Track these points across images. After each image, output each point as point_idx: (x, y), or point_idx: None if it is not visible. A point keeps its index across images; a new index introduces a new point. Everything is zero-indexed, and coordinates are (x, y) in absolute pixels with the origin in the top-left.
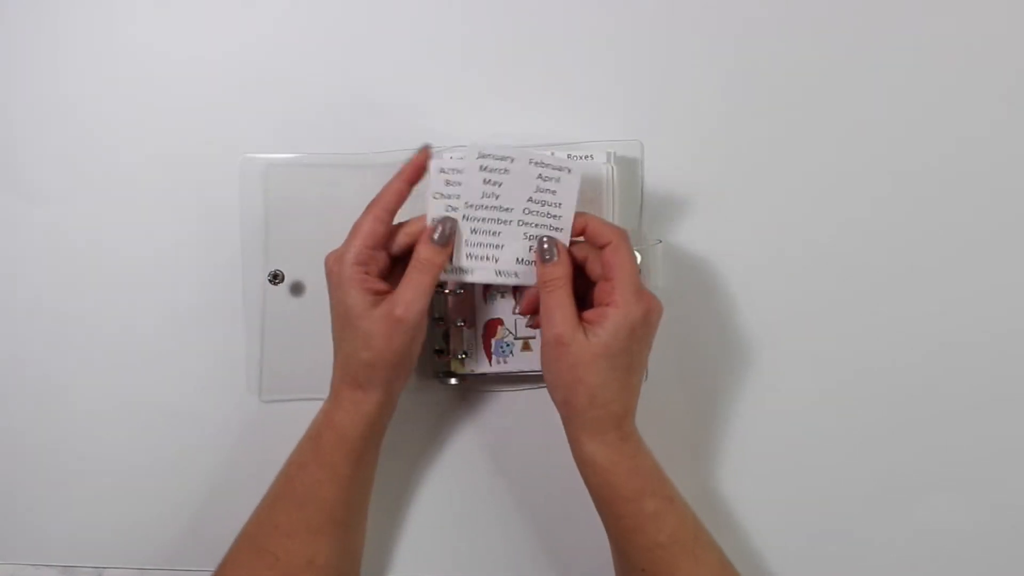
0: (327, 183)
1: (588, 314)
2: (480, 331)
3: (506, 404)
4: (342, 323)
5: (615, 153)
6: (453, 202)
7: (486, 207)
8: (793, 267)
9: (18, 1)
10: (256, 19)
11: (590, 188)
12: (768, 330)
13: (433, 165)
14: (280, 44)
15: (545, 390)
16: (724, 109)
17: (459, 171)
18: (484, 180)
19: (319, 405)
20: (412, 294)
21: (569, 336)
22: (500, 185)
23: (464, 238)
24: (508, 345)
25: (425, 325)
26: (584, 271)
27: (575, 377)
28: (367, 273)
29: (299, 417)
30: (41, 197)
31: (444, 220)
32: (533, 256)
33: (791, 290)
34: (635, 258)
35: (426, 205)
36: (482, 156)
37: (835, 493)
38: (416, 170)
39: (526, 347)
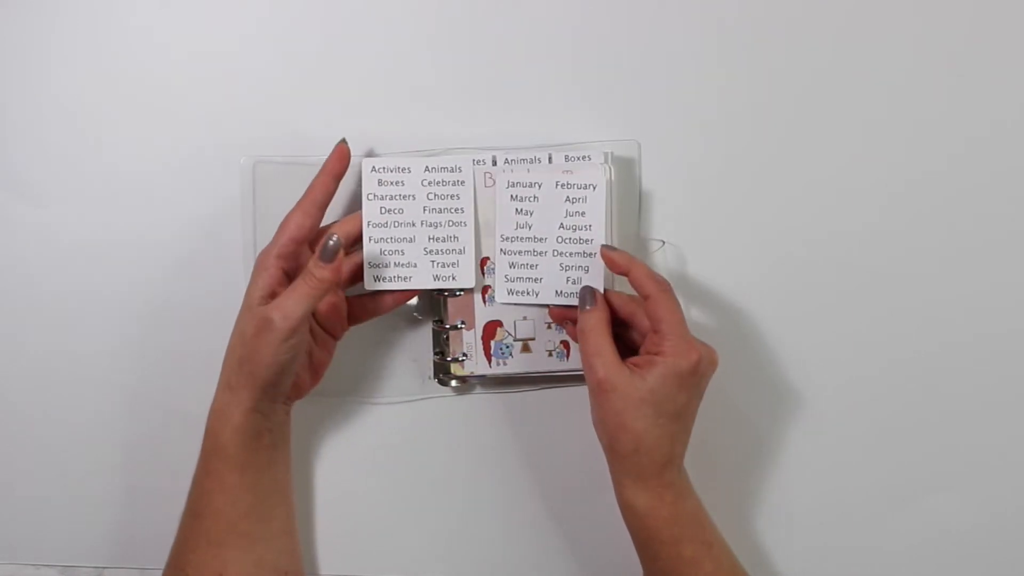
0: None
1: (637, 359)
2: (479, 333)
3: (506, 405)
4: (239, 314)
5: (612, 154)
6: (388, 203)
7: (521, 239)
8: (794, 267)
9: None
10: (256, 20)
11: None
12: (769, 331)
13: (365, 164)
14: (281, 47)
15: (546, 391)
16: (722, 109)
17: (396, 170)
18: (516, 210)
19: (320, 405)
20: (291, 302)
21: (612, 381)
22: (531, 214)
23: (503, 272)
24: (507, 347)
25: (304, 340)
26: (634, 324)
27: (620, 423)
28: (285, 270)
29: (300, 417)
30: (40, 197)
31: (329, 237)
32: (572, 287)
33: (792, 290)
34: (679, 307)
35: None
36: (511, 185)
37: (851, 502)
38: (337, 162)
39: (525, 349)
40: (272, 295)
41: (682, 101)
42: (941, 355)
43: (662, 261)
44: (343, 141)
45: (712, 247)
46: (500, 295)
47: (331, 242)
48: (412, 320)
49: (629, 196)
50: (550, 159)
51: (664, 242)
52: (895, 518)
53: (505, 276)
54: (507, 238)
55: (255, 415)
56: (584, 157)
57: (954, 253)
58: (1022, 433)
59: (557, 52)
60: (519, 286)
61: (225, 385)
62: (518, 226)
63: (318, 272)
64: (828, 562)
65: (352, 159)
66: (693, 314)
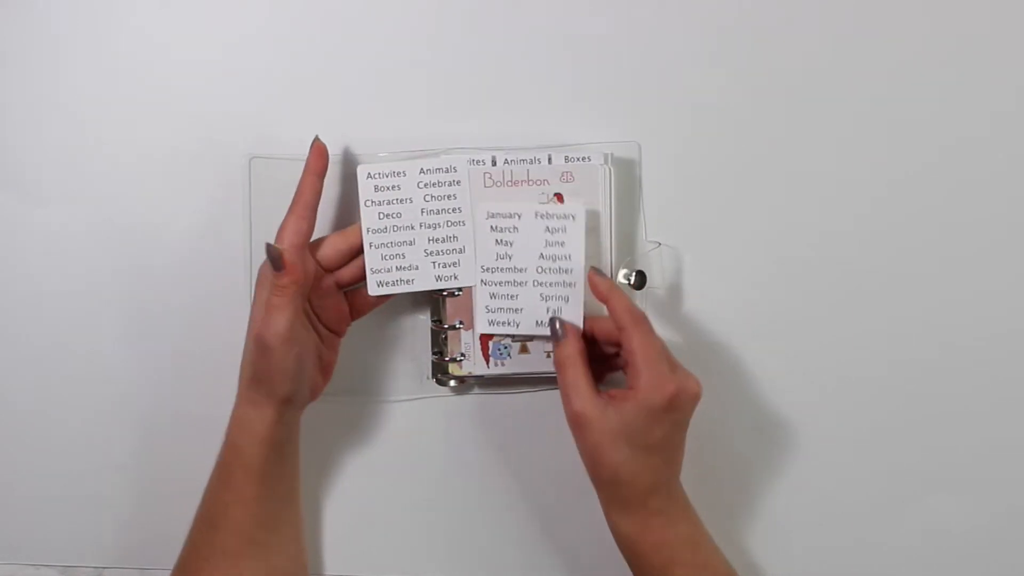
0: (336, 183)
1: (615, 391)
2: (478, 333)
3: (504, 406)
4: (248, 326)
5: (612, 155)
6: (385, 208)
7: (501, 269)
8: (794, 268)
9: None
10: (256, 20)
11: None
12: (768, 330)
13: (360, 171)
14: (281, 47)
15: (544, 392)
16: (722, 109)
17: (392, 174)
18: (496, 240)
19: (319, 405)
20: (273, 319)
21: (587, 415)
22: (511, 244)
23: (484, 304)
24: (506, 347)
25: (306, 345)
26: (621, 346)
27: (597, 455)
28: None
29: (303, 417)
30: (40, 197)
31: (267, 247)
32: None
33: (791, 290)
34: (655, 339)
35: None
36: (491, 216)
37: (851, 503)
38: (317, 159)
39: (524, 349)
40: None
41: (682, 101)
42: (940, 356)
43: (659, 262)
44: (317, 138)
45: (711, 248)
46: (481, 326)
47: (270, 250)
48: (411, 320)
49: (629, 197)
50: (550, 160)
51: (660, 243)
52: (894, 518)
53: (486, 307)
54: (487, 268)
55: (280, 427)
56: (584, 158)
57: (953, 255)
58: (1022, 433)
59: (557, 52)
60: (500, 316)
61: (246, 401)
62: (498, 256)
63: (278, 281)
64: (827, 564)
65: (351, 160)
66: (690, 315)
